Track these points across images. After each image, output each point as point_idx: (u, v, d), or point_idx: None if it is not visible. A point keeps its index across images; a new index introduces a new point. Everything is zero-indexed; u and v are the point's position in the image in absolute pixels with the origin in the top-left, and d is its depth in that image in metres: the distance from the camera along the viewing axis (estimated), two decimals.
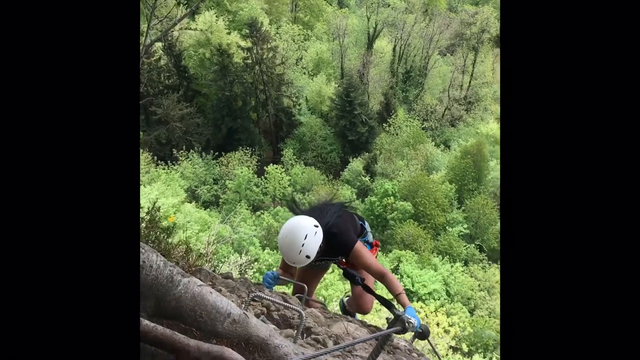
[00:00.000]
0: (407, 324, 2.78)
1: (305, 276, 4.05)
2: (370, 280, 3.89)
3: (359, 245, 3.62)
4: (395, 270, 28.28)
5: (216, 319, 2.00)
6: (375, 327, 4.02)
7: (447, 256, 30.98)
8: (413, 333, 3.14)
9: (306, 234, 3.28)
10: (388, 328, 2.85)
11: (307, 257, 3.30)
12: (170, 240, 3.01)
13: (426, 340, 3.43)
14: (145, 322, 1.82)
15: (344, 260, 3.77)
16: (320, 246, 3.34)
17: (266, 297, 2.50)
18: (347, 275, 3.80)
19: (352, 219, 3.87)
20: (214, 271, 4.04)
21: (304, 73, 45.62)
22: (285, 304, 2.54)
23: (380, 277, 3.49)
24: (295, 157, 38.71)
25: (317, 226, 3.37)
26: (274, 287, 3.69)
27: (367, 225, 4.09)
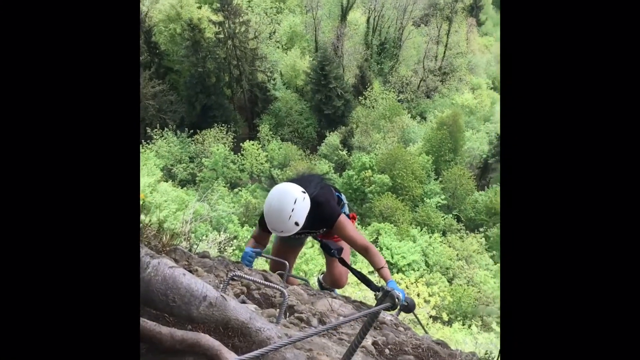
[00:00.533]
0: (396, 300, 2.63)
1: (281, 251, 3.94)
2: (346, 254, 3.84)
3: (343, 216, 3.51)
4: (375, 242, 28.41)
5: (190, 303, 1.82)
6: (361, 302, 3.90)
7: (426, 227, 31.21)
8: (399, 307, 3.05)
9: (295, 198, 3.18)
10: (377, 305, 2.72)
11: (296, 223, 3.19)
12: (142, 218, 2.82)
13: (411, 313, 3.33)
14: None
15: (321, 232, 3.69)
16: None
17: (245, 276, 2.33)
18: (323, 247, 3.76)
19: (331, 191, 3.78)
20: (190, 250, 3.86)
21: (278, 47, 44.97)
22: (266, 282, 2.38)
23: (364, 250, 3.40)
24: (271, 132, 38.39)
25: (304, 192, 3.27)
26: (253, 265, 3.55)
27: (343, 197, 4.01)
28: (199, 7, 39.79)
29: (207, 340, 1.76)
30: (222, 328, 1.87)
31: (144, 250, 1.85)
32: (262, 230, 3.57)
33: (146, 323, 1.67)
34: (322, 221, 3.45)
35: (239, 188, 32.72)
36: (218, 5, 37.52)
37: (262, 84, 40.93)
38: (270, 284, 2.38)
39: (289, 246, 4.05)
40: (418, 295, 23.51)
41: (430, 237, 30.15)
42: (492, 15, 61.46)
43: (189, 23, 36.61)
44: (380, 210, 31.09)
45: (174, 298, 1.81)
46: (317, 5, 45.50)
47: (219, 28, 37.42)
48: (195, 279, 1.85)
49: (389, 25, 47.87)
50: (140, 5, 38.03)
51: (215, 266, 3.24)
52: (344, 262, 3.72)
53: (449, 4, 47.62)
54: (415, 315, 3.57)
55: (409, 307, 3.23)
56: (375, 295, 3.34)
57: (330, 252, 3.67)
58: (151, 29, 38.52)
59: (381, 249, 27.85)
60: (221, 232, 17.84)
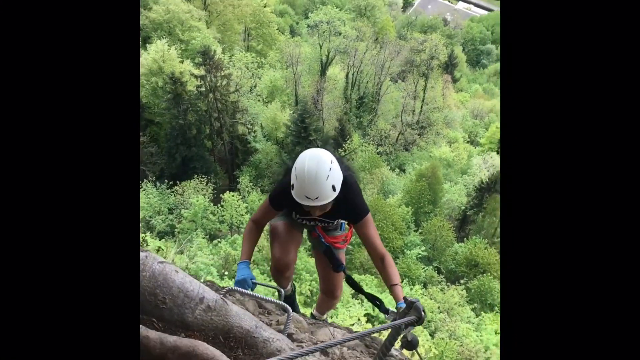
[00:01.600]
0: (422, 313, 2.41)
1: (283, 246, 3.58)
2: (342, 258, 3.61)
3: (369, 214, 3.21)
4: (356, 295, 27.92)
5: (184, 306, 1.62)
6: (363, 335, 3.70)
7: (407, 279, 30.84)
8: (401, 343, 2.89)
9: (331, 159, 2.91)
10: (400, 318, 2.57)
11: (333, 188, 2.88)
12: None
13: (414, 351, 3.16)
14: None
15: (333, 224, 3.44)
16: None
17: (244, 291, 2.18)
18: (330, 258, 3.47)
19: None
20: None
21: (259, 100, 45.41)
22: (266, 298, 2.22)
23: (382, 258, 3.13)
24: (251, 184, 38.19)
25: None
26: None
27: None
28: (181, 62, 40.20)
29: (206, 349, 1.54)
30: (222, 337, 1.64)
31: None
32: (272, 207, 3.28)
33: None
34: (348, 210, 3.18)
35: (219, 239, 32.14)
36: (200, 59, 38.00)
37: (243, 136, 41.06)
38: (270, 300, 2.23)
39: (295, 233, 3.67)
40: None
41: (411, 289, 29.73)
42: (466, 72, 63.35)
43: (170, 76, 36.85)
44: (360, 262, 30.73)
45: (164, 299, 1.61)
46: (297, 61, 46.36)
47: (200, 81, 37.72)
48: (190, 278, 1.66)
49: (367, 80, 48.89)
50: None
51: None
52: (351, 280, 3.46)
53: (425, 61, 48.86)
54: (417, 353, 3.39)
55: (412, 344, 3.07)
56: (386, 317, 3.15)
57: (338, 268, 3.44)
58: None
59: (362, 302, 27.35)
60: None
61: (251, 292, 2.23)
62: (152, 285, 1.58)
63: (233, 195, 35.30)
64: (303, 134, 39.03)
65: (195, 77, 37.95)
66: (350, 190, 3.05)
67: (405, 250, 33.51)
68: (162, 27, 44.36)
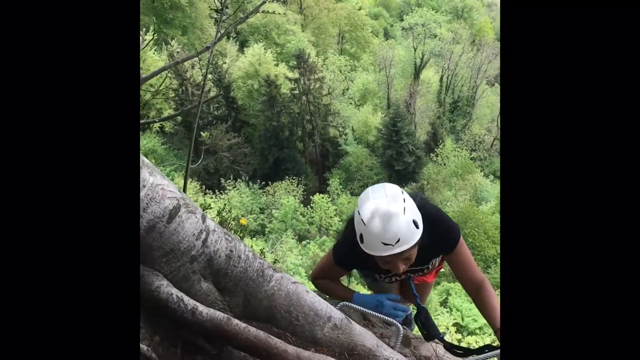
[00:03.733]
0: None
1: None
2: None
3: (462, 238, 2.53)
4: (444, 303, 27.33)
5: (315, 323, 1.63)
6: (466, 349, 3.49)
7: (498, 289, 29.78)
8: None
9: (401, 190, 2.25)
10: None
11: (415, 223, 2.18)
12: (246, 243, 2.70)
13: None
14: (235, 322, 1.49)
15: (429, 267, 2.75)
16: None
17: (357, 306, 2.13)
18: (427, 322, 2.65)
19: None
20: None
21: (351, 103, 45.68)
22: (378, 314, 2.17)
23: (479, 287, 2.45)
24: (341, 186, 38.47)
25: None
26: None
27: None
28: (276, 65, 41.24)
29: None
30: (347, 354, 1.66)
31: (265, 263, 1.70)
32: (344, 269, 2.62)
33: (272, 340, 1.49)
34: (437, 244, 2.42)
35: (307, 240, 32.64)
36: (294, 63, 38.82)
37: (334, 139, 41.45)
38: (384, 317, 2.17)
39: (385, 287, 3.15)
40: None
41: None
42: None
43: (266, 79, 37.96)
44: (450, 270, 30.06)
45: (297, 316, 1.64)
46: (390, 63, 46.19)
47: (294, 84, 38.57)
48: (318, 297, 1.67)
49: (462, 83, 47.80)
50: (222, 63, 40.02)
51: None
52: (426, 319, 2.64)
53: None
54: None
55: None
56: (435, 342, 2.64)
57: (438, 336, 2.61)
58: (230, 84, 40.15)
59: (451, 310, 26.73)
60: None
61: (363, 310, 2.15)
62: (287, 303, 1.61)
63: (323, 197, 35.71)
64: (394, 137, 38.79)
65: (290, 80, 38.84)
66: (433, 221, 2.35)
67: (497, 260, 32.36)
68: (259, 30, 45.74)
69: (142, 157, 1.56)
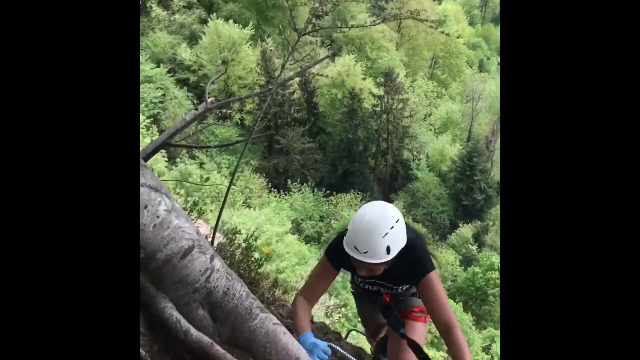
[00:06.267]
0: None
1: (365, 319, 3.44)
2: (421, 333, 3.09)
3: (436, 274, 2.71)
4: (487, 349, 26.64)
5: None
6: None
7: None
8: None
9: (397, 218, 2.51)
10: None
11: (388, 250, 2.46)
12: (260, 270, 3.09)
13: None
14: (216, 348, 1.88)
15: (397, 290, 2.99)
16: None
17: (341, 350, 2.47)
18: (388, 316, 3.02)
19: (426, 242, 2.95)
20: None
21: (430, 129, 45.36)
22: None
23: (449, 326, 2.55)
24: (404, 210, 38.21)
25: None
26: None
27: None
28: (364, 79, 41.55)
29: None
30: None
31: (256, 302, 2.09)
32: (332, 266, 2.78)
33: None
34: (408, 269, 2.68)
35: None
36: (382, 79, 39.07)
37: (407, 161, 41.34)
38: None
39: (368, 313, 3.42)
40: None
41: None
42: None
43: (350, 91, 38.42)
44: (494, 317, 29.28)
45: (271, 352, 2.01)
46: (479, 97, 45.53)
47: (377, 101, 38.84)
48: (292, 339, 2.04)
49: None
50: (312, 69, 40.69)
51: (315, 331, 3.39)
52: (414, 346, 2.86)
53: None
54: None
55: None
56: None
57: (396, 326, 2.95)
58: (315, 90, 40.92)
59: (492, 358, 25.99)
60: (332, 297, 17.89)
61: (347, 355, 2.45)
62: (264, 340, 2.00)
63: None
64: (468, 172, 38.24)
65: (374, 95, 39.14)
66: (412, 251, 2.63)
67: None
68: (353, 42, 46.25)
69: (175, 204, 1.97)
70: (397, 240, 2.51)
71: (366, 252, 2.45)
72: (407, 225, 2.69)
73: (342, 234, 2.69)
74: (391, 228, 2.45)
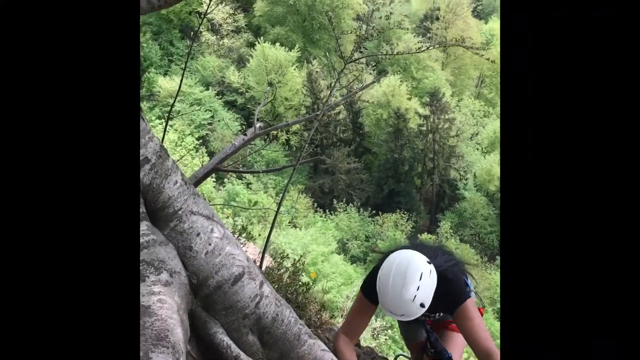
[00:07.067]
0: None
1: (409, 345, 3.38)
2: (456, 342, 3.10)
3: (472, 302, 2.73)
4: None
5: None
6: None
7: None
8: None
9: (421, 272, 2.49)
10: None
11: (422, 305, 2.49)
12: (307, 295, 3.12)
13: None
14: None
15: (435, 317, 3.00)
16: None
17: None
18: (432, 343, 3.01)
19: (462, 270, 3.04)
20: None
21: (477, 149, 44.71)
22: None
23: (487, 354, 2.50)
24: (451, 230, 37.65)
25: (430, 263, 2.59)
26: None
27: (471, 284, 3.10)
28: (409, 99, 41.46)
29: None
30: None
31: (304, 328, 2.13)
32: (369, 301, 2.77)
33: None
34: (443, 301, 2.68)
35: None
36: (427, 99, 38.90)
37: (453, 181, 40.81)
38: None
39: (410, 335, 3.35)
40: None
41: None
42: None
43: (396, 111, 38.40)
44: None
45: None
46: None
47: (423, 120, 38.66)
48: None
49: None
50: (355, 89, 40.95)
51: (362, 354, 3.39)
52: None
53: None
54: None
55: None
56: None
57: (443, 356, 2.95)
58: (360, 110, 41.10)
59: None
60: (378, 318, 17.73)
61: None
62: None
63: (430, 238, 35.09)
64: None
65: (419, 115, 38.98)
66: (445, 283, 2.64)
67: None
68: (398, 62, 46.30)
69: (227, 231, 2.04)
70: (428, 292, 2.53)
71: (402, 315, 2.52)
72: (438, 253, 2.77)
73: (376, 267, 2.71)
74: (418, 288, 2.46)
